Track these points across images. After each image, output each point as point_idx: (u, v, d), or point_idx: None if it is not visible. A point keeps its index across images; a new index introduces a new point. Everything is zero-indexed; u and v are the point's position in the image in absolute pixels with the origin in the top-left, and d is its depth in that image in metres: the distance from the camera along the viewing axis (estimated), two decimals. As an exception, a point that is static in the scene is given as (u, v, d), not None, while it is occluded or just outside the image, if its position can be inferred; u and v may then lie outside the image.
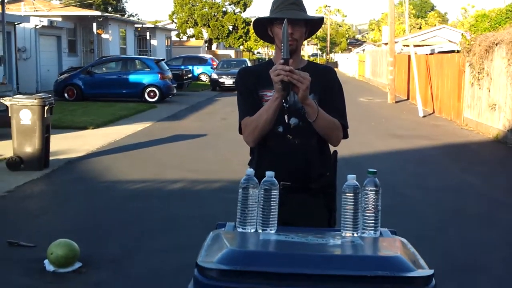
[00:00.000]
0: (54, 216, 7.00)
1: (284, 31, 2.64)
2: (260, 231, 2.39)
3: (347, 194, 2.36)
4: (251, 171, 2.44)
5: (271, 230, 2.38)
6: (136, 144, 11.96)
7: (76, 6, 37.66)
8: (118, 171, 9.38)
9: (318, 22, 3.02)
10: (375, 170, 2.39)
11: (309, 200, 2.91)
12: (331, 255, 2.13)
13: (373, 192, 2.37)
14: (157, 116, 17.29)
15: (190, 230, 6.22)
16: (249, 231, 2.38)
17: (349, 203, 2.36)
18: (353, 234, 2.34)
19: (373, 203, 2.36)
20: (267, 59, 3.14)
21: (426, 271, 2.00)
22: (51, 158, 9.73)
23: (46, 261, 5.09)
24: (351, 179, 2.37)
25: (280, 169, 2.76)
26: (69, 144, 11.60)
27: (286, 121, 2.87)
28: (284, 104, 2.82)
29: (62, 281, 4.88)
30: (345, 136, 2.97)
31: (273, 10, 2.91)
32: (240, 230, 2.39)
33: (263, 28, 3.02)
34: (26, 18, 23.16)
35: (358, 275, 1.92)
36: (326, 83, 2.94)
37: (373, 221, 2.36)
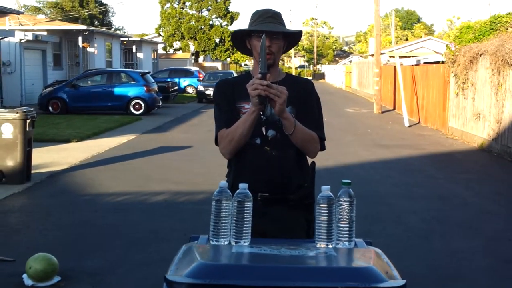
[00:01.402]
0: (34, 230, 6.89)
1: (262, 45, 2.64)
2: (233, 243, 2.35)
3: (321, 205, 2.33)
4: (224, 183, 2.41)
5: (244, 242, 2.35)
6: (120, 156, 11.87)
7: (62, 20, 37.59)
8: (101, 184, 9.29)
9: (296, 35, 3.03)
10: (349, 181, 2.37)
11: (288, 211, 2.87)
12: (303, 267, 2.08)
13: (347, 203, 2.34)
14: (142, 128, 17.20)
15: (172, 242, 6.13)
16: (223, 243, 2.35)
17: (323, 214, 2.33)
18: (327, 245, 2.30)
19: (347, 214, 2.33)
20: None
21: (398, 282, 1.97)
22: (33, 171, 9.63)
23: (24, 276, 5.04)
24: (325, 190, 2.35)
25: (258, 181, 2.78)
26: (52, 157, 11.50)
27: (264, 133, 2.85)
28: (262, 116, 2.80)
29: (41, 296, 4.79)
30: (322, 148, 2.96)
31: (251, 23, 2.93)
32: (213, 243, 2.36)
33: (242, 40, 3.02)
34: (11, 33, 23.03)
35: (329, 287, 1.89)
36: (304, 96, 2.94)
37: (347, 232, 2.32)
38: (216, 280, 1.93)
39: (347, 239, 2.33)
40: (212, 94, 29.18)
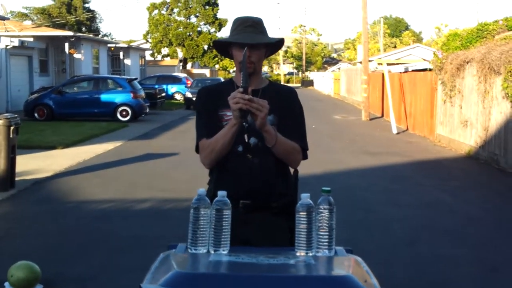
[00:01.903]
0: (18, 238, 6.81)
1: (243, 59, 2.63)
2: (212, 252, 2.31)
3: (301, 213, 2.31)
4: (202, 191, 2.38)
5: (223, 250, 2.31)
6: (106, 163, 11.78)
7: (48, 26, 37.44)
8: (86, 191, 9.20)
9: (278, 43, 2.99)
10: (329, 188, 2.34)
11: (270, 219, 2.83)
12: (280, 276, 2.05)
13: (327, 211, 2.31)
14: (128, 135, 17.11)
15: (157, 250, 5.98)
16: (201, 252, 2.31)
17: (302, 222, 2.30)
18: (307, 253, 2.25)
19: (327, 222, 2.29)
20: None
21: None
22: (17, 178, 9.53)
23: (6, 284, 4.97)
24: (305, 198, 2.32)
25: (240, 189, 2.77)
26: (37, 164, 11.39)
27: (246, 140, 2.82)
28: (244, 123, 2.77)
29: (22, 304, 4.72)
30: (305, 157, 2.94)
31: (232, 31, 2.91)
32: (191, 251, 2.32)
33: (224, 46, 3.01)
34: (-4, 39, 22.96)
35: None
36: (287, 105, 2.92)
37: (327, 240, 2.28)
38: None
39: (327, 247, 2.29)
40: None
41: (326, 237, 2.28)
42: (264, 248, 2.45)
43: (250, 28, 2.85)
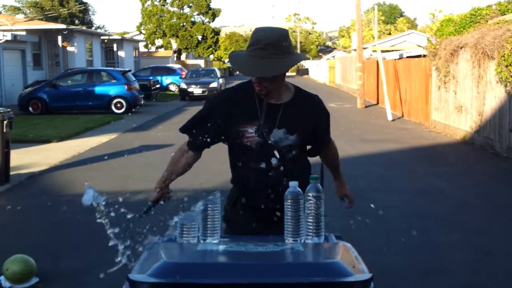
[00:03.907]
0: (13, 231, 6.80)
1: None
2: (201, 241, 2.32)
3: (289, 201, 2.30)
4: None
5: (213, 240, 2.29)
6: (101, 156, 11.74)
7: (41, 19, 37.26)
8: (80, 184, 9.12)
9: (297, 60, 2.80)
10: (317, 175, 2.36)
11: None
12: (268, 263, 2.04)
13: (315, 198, 2.29)
14: (123, 127, 17.06)
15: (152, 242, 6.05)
16: (190, 242, 2.29)
17: (291, 209, 2.29)
18: (296, 240, 2.25)
19: (315, 209, 2.28)
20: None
21: (364, 275, 1.94)
22: (12, 173, 9.51)
23: (1, 278, 4.99)
24: (293, 186, 2.31)
25: (261, 200, 2.81)
26: (31, 158, 11.36)
27: (269, 158, 2.76)
28: (268, 141, 2.73)
29: (18, 297, 4.72)
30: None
31: (248, 47, 2.71)
32: (180, 241, 2.31)
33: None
34: (-11, 33, 22.85)
35: (294, 283, 1.86)
36: (316, 120, 2.87)
37: (316, 227, 2.27)
38: (179, 279, 1.88)
39: (315, 234, 2.29)
40: (195, 92, 29.32)
41: (315, 224, 2.28)
42: (254, 236, 2.45)
43: (260, 51, 2.60)
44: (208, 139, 2.83)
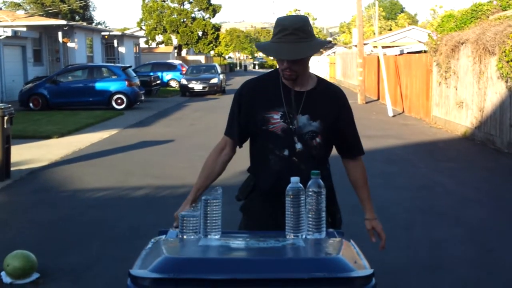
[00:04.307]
0: (13, 227, 6.79)
1: None
2: (203, 237, 2.31)
3: (290, 196, 2.29)
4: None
5: (214, 235, 2.29)
6: (101, 152, 11.75)
7: (41, 15, 37.22)
8: (81, 180, 9.18)
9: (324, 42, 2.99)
10: (318, 171, 2.34)
11: None
12: (269, 259, 2.04)
13: (317, 194, 2.29)
14: (124, 123, 17.07)
15: (152, 238, 6.04)
16: (191, 237, 2.28)
17: (292, 205, 2.29)
18: (297, 236, 2.24)
19: (317, 204, 2.27)
20: (270, 70, 3.02)
21: (366, 271, 1.94)
22: (13, 168, 9.51)
23: (2, 273, 4.99)
24: (295, 181, 2.31)
25: (282, 189, 2.74)
26: (32, 154, 11.36)
27: (293, 144, 2.80)
28: (291, 126, 2.78)
29: (20, 293, 4.75)
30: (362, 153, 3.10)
31: (274, 34, 2.78)
32: (182, 236, 2.31)
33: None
34: (-11, 29, 22.83)
35: (296, 278, 1.86)
36: (338, 110, 2.89)
37: (317, 223, 2.27)
38: (180, 274, 1.89)
39: (317, 229, 2.28)
40: (195, 88, 29.30)
41: (316, 219, 2.27)
42: (255, 232, 2.44)
43: (290, 36, 2.70)
44: (243, 126, 2.89)
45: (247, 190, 2.96)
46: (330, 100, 2.88)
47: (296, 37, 2.69)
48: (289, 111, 2.79)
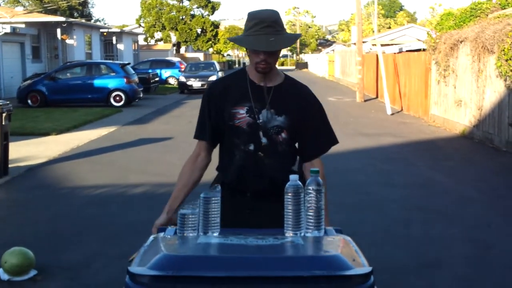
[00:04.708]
0: (11, 224, 6.79)
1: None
2: (201, 234, 2.30)
3: (289, 194, 2.29)
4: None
5: (213, 233, 2.29)
6: (100, 149, 11.74)
7: (40, 12, 37.16)
8: (79, 177, 9.18)
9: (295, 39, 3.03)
10: (317, 169, 2.35)
11: (277, 206, 2.66)
12: (268, 256, 2.04)
13: (315, 191, 2.29)
14: (122, 120, 17.06)
15: (150, 235, 6.04)
16: (190, 235, 2.29)
17: (291, 203, 2.29)
18: (296, 234, 2.25)
19: (315, 202, 2.27)
20: (241, 66, 3.04)
21: (364, 269, 1.94)
22: (11, 165, 9.50)
23: (0, 270, 4.98)
24: (294, 179, 2.31)
25: (249, 185, 2.83)
26: (30, 151, 11.35)
27: (259, 139, 2.81)
28: (257, 121, 2.79)
29: (18, 290, 4.74)
30: (336, 142, 3.04)
31: (248, 28, 2.79)
32: (180, 234, 2.30)
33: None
34: (-12, 26, 22.79)
35: (294, 276, 1.86)
36: (304, 104, 2.89)
37: (316, 220, 2.27)
38: (178, 272, 1.88)
39: (315, 227, 2.28)
40: (194, 85, 29.29)
41: (315, 217, 2.28)
42: (254, 229, 2.44)
43: (268, 29, 2.72)
44: (214, 125, 2.89)
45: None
46: (298, 96, 2.89)
47: (273, 29, 2.73)
48: (255, 106, 2.80)
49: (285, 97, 2.80)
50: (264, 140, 2.80)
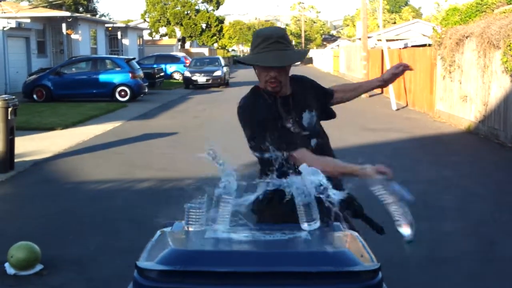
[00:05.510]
0: (17, 218, 6.82)
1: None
2: (208, 229, 2.29)
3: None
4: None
5: (221, 228, 2.28)
6: (105, 144, 11.76)
7: (45, 7, 37.19)
8: (85, 172, 9.20)
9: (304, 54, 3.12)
10: None
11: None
12: (276, 252, 2.04)
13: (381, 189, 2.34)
14: (127, 115, 17.07)
15: (156, 230, 6.04)
16: (197, 229, 2.28)
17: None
18: (311, 225, 2.24)
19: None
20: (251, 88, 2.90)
21: (372, 265, 1.93)
22: (17, 160, 9.52)
23: (6, 264, 5.00)
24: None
25: None
26: (36, 146, 11.38)
27: (309, 143, 2.84)
28: (304, 124, 2.85)
29: (24, 284, 4.79)
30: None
31: (254, 47, 2.75)
32: (188, 228, 2.30)
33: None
34: (-7, 21, 22.83)
35: (303, 271, 1.85)
36: (314, 92, 3.03)
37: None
38: (186, 267, 1.89)
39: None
40: (199, 80, 29.28)
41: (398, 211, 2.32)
42: (262, 224, 2.44)
43: (275, 45, 2.70)
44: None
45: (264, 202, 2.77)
46: (306, 87, 2.98)
47: (282, 45, 2.72)
48: (292, 117, 2.82)
49: (300, 96, 2.86)
50: (313, 142, 2.86)
